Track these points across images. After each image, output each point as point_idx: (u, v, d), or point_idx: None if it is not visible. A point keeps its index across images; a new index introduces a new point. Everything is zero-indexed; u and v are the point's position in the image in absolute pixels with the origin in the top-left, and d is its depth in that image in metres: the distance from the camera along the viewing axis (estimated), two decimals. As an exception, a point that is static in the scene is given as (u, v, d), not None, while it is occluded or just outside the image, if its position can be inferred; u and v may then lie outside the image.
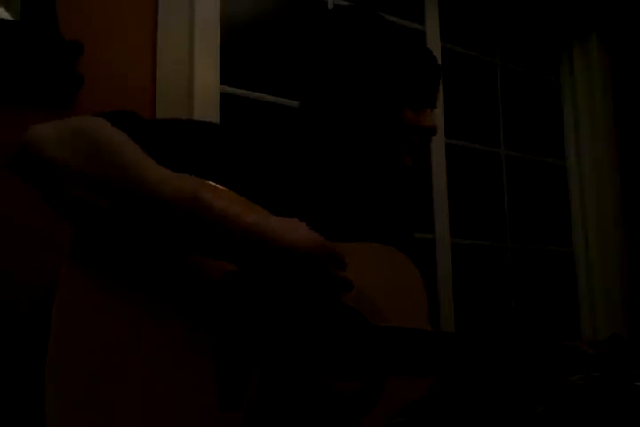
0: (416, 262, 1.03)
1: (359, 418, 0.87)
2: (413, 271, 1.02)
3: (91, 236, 0.78)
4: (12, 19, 1.21)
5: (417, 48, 1.08)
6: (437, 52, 2.07)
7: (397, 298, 0.97)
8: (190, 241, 0.78)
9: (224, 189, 0.83)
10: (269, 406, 0.81)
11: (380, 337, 0.92)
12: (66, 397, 0.67)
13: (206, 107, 1.45)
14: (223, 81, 1.54)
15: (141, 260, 0.79)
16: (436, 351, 0.96)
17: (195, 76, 1.44)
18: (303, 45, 1.11)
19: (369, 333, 0.92)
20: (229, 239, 0.76)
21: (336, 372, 0.88)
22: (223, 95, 1.54)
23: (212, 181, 0.85)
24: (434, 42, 2.08)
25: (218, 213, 0.76)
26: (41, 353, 0.68)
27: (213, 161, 0.93)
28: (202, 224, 0.76)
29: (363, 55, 1.04)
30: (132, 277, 0.77)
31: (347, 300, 0.91)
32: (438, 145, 2.02)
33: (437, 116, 2.02)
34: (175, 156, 0.88)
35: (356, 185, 1.09)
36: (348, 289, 0.82)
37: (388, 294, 0.95)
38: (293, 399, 0.82)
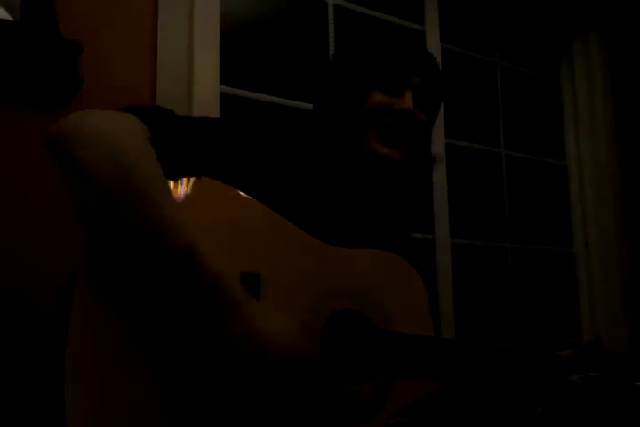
0: (415, 263, 1.04)
1: (367, 421, 0.88)
2: (416, 278, 1.03)
3: (99, 253, 0.78)
4: (12, 19, 1.21)
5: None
6: (437, 53, 2.07)
7: (402, 304, 0.98)
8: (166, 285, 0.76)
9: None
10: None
11: (388, 342, 0.92)
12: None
13: (206, 107, 1.45)
14: (223, 81, 1.54)
15: (136, 282, 0.78)
16: (439, 357, 0.97)
17: (194, 77, 1.44)
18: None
19: (377, 337, 0.92)
20: (209, 306, 0.75)
21: (344, 375, 0.88)
22: (223, 95, 1.54)
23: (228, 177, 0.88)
24: (434, 42, 2.08)
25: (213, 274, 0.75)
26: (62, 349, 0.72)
27: (231, 158, 0.94)
28: (194, 277, 0.75)
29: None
30: (129, 296, 0.77)
31: (355, 304, 0.92)
32: (438, 145, 2.02)
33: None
34: (200, 151, 0.91)
35: (344, 179, 1.06)
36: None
37: (393, 300, 0.96)
38: (302, 402, 0.83)
